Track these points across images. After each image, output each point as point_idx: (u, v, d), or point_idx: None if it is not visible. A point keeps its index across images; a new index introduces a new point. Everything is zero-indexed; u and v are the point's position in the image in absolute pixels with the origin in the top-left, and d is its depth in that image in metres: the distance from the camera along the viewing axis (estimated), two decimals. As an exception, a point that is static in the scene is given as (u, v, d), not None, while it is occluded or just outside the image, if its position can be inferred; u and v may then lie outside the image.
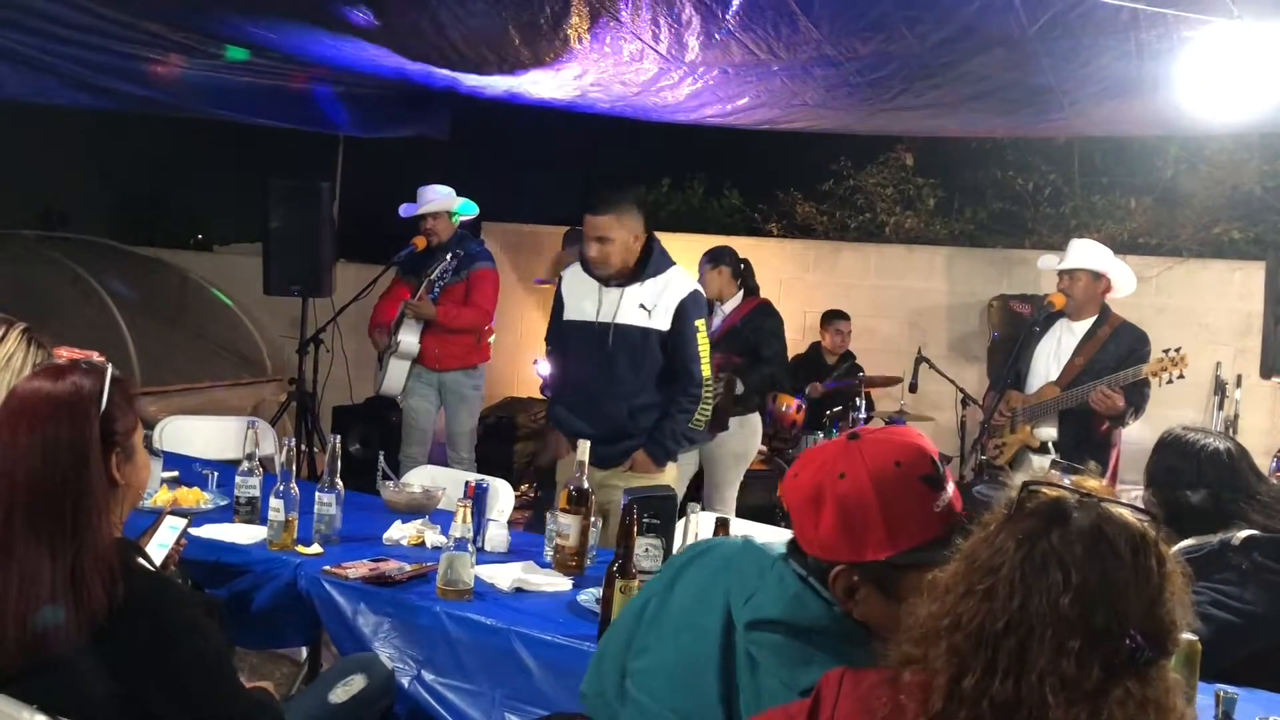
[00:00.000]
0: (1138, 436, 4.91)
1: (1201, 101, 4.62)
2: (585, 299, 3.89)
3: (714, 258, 5.54)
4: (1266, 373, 4.95)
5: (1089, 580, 1.25)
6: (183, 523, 2.51)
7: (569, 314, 3.95)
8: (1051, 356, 4.57)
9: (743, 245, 6.53)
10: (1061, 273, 4.56)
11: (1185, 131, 6.15)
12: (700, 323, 3.83)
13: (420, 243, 5.61)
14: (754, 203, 8.90)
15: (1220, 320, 6.55)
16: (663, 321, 3.77)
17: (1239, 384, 6.29)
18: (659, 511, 2.74)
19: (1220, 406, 6.24)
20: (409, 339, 5.53)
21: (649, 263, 3.80)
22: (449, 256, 5.46)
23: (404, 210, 5.70)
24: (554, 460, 4.17)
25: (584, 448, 2.92)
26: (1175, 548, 2.65)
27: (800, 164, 8.45)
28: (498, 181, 6.05)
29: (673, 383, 3.81)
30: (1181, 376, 4.29)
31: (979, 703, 1.25)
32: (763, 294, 5.65)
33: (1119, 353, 4.39)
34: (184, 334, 7.80)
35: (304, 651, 3.64)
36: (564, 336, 3.99)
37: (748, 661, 1.56)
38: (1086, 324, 4.54)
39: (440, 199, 5.59)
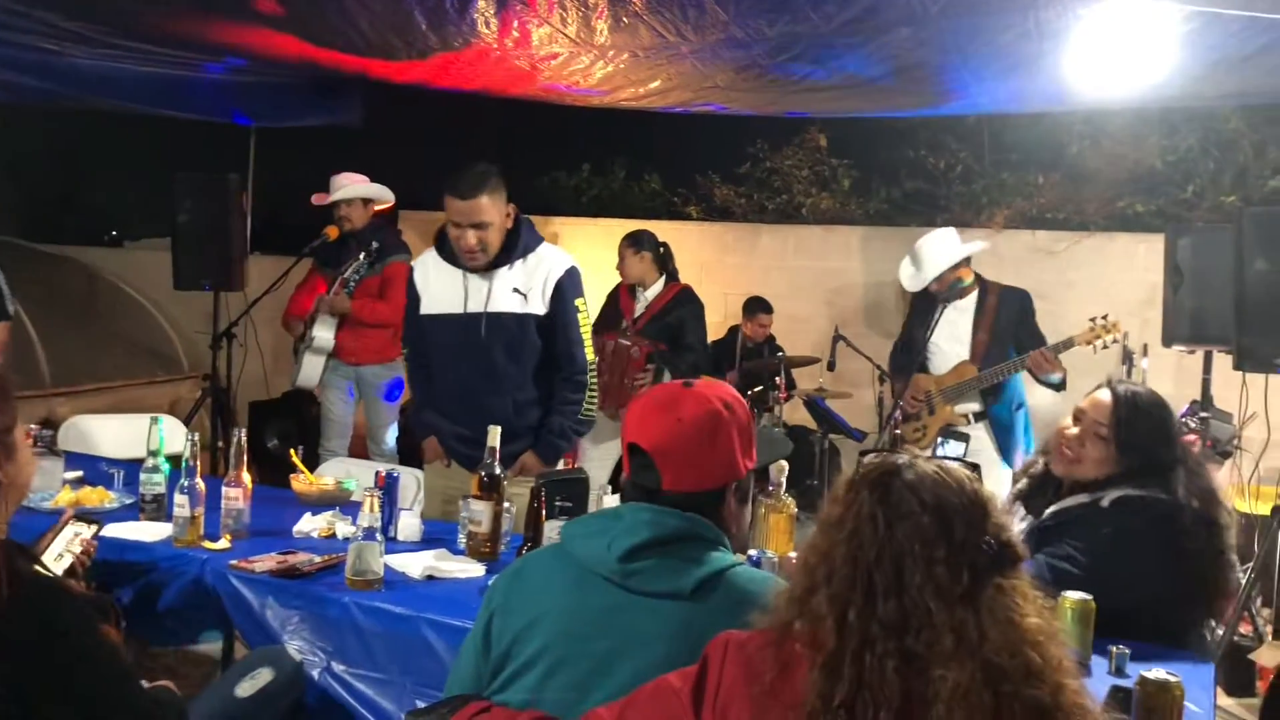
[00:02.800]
0: (1048, 402, 5.07)
1: (1099, 77, 4.74)
2: (447, 289, 3.50)
3: (635, 242, 5.54)
4: (1167, 341, 5.08)
5: (942, 501, 1.39)
6: (89, 529, 2.46)
7: (428, 307, 3.55)
8: (950, 335, 4.68)
9: (664, 229, 6.56)
10: (934, 281, 4.67)
11: (1087, 107, 6.29)
12: (580, 301, 3.52)
13: (332, 232, 5.54)
14: (674, 186, 8.91)
15: (1126, 292, 6.71)
16: (539, 305, 3.45)
17: (1145, 353, 6.46)
18: (570, 494, 2.75)
19: (1128, 375, 6.41)
20: (324, 334, 5.46)
21: (518, 242, 3.46)
22: (363, 254, 5.39)
23: (316, 198, 5.62)
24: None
25: (494, 433, 2.91)
26: (1050, 509, 2.72)
27: (718, 147, 8.48)
28: (413, 169, 5.98)
29: (554, 370, 3.51)
30: (1116, 342, 4.38)
31: (868, 628, 1.33)
32: (684, 278, 5.68)
33: (1011, 315, 4.58)
34: (95, 333, 7.63)
35: (217, 647, 3.60)
36: (424, 334, 3.59)
37: (626, 601, 1.66)
38: (971, 299, 4.67)
39: (353, 186, 5.51)
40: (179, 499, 2.85)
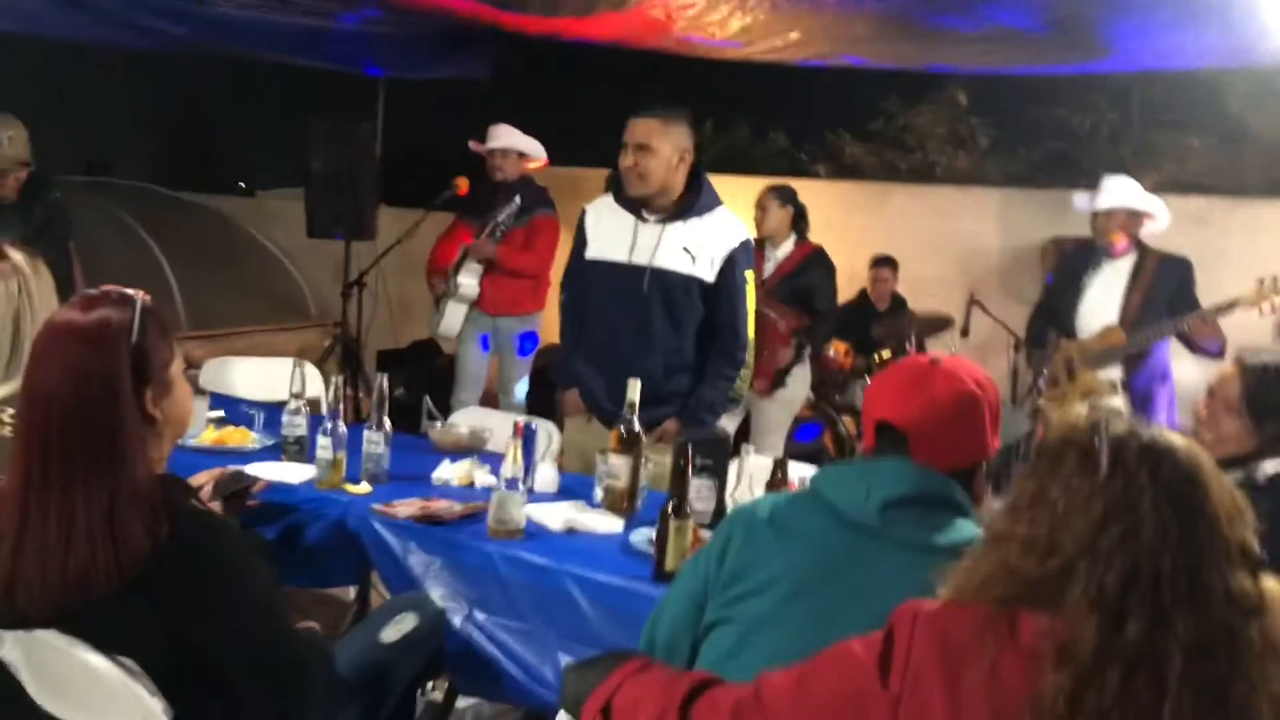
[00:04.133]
0: (1192, 373, 4.80)
1: (1270, 29, 4.43)
2: (616, 236, 3.36)
3: (782, 194, 5.38)
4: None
5: (1221, 501, 1.26)
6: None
7: (594, 252, 3.42)
8: (1100, 299, 4.46)
9: (793, 187, 6.39)
10: (1099, 213, 4.46)
11: (1262, 65, 5.90)
12: (750, 275, 3.36)
13: (462, 184, 5.53)
14: (801, 143, 8.72)
15: (1282, 263, 6.34)
16: (707, 270, 3.29)
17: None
18: (712, 453, 2.67)
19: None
20: (469, 282, 5.45)
21: (696, 198, 3.30)
22: (516, 198, 5.36)
23: (473, 145, 5.61)
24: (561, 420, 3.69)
25: (634, 386, 2.83)
26: None
27: (848, 103, 8.25)
28: (539, 123, 5.91)
29: (713, 340, 3.36)
30: None
31: (1153, 646, 1.21)
32: (810, 237, 5.52)
33: (1170, 284, 4.33)
34: (227, 279, 7.81)
35: (352, 592, 3.64)
36: (586, 279, 3.47)
37: (879, 547, 1.65)
38: (1129, 260, 4.44)
39: (510, 136, 5.49)
40: (322, 441, 2.85)
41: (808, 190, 7.99)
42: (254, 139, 11.43)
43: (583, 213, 3.54)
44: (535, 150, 5.59)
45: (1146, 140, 7.46)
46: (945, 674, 1.30)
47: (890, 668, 1.34)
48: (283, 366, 3.96)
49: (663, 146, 3.24)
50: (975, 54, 5.49)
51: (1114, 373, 4.43)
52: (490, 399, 5.84)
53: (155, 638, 1.76)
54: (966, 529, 1.68)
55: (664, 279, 3.30)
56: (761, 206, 5.32)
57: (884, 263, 6.83)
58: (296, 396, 3.12)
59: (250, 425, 3.40)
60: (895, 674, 1.33)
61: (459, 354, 5.77)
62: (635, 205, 3.37)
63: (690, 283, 3.30)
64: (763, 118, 8.91)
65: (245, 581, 1.82)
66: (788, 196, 5.36)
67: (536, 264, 5.42)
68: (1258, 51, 4.87)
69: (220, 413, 3.49)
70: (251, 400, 3.84)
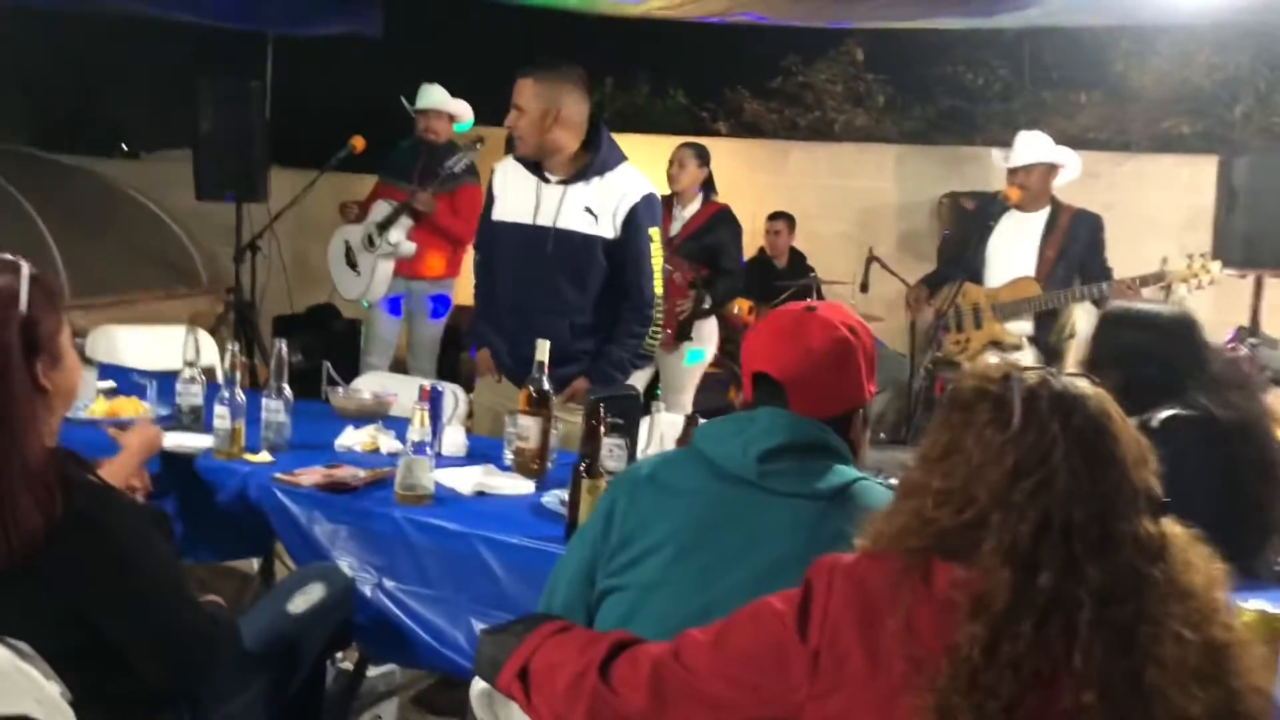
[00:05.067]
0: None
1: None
2: (520, 197, 3.35)
3: (703, 155, 5.36)
4: (1221, 264, 4.94)
5: (1129, 448, 1.28)
6: None
7: (500, 213, 3.41)
8: (1011, 250, 4.55)
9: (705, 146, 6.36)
10: (1016, 169, 4.56)
11: (1138, 21, 6.06)
12: (655, 231, 3.33)
13: (358, 143, 5.40)
14: (701, 101, 8.70)
15: (1166, 215, 6.55)
16: (609, 229, 3.26)
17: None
18: (623, 411, 2.66)
19: (1166, 300, 6.28)
20: (404, 240, 5.32)
21: (595, 158, 3.27)
22: (473, 151, 5.26)
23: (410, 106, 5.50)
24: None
25: (543, 347, 2.80)
26: None
27: (748, 60, 8.24)
28: (435, 81, 5.79)
29: (619, 299, 3.33)
30: (1213, 282, 4.22)
31: (1065, 594, 1.22)
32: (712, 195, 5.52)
33: (1083, 239, 4.44)
34: (111, 245, 7.49)
35: (255, 564, 3.56)
36: (493, 239, 3.46)
37: (760, 499, 1.65)
38: (1042, 214, 4.55)
39: (444, 97, 5.43)
40: (219, 410, 2.76)
41: (709, 147, 8.02)
42: (136, 99, 10.96)
43: (492, 171, 3.51)
44: (464, 111, 5.50)
45: (1037, 97, 7.63)
46: (862, 626, 1.31)
47: (809, 621, 1.34)
48: (174, 334, 3.82)
49: (531, 105, 3.21)
50: (875, 7, 5.51)
51: (1025, 326, 4.54)
52: (399, 364, 5.74)
53: (50, 618, 1.69)
54: (845, 474, 1.70)
55: (567, 240, 3.27)
56: (680, 163, 5.29)
57: (778, 217, 6.89)
58: (190, 365, 3.02)
59: (142, 396, 3.27)
60: (814, 627, 1.34)
61: (369, 318, 5.65)
62: (536, 166, 3.33)
63: (593, 242, 3.27)
64: (662, 75, 8.85)
65: (142, 556, 1.76)
66: (705, 156, 5.36)
67: (463, 229, 5.32)
68: (1142, 10, 4.99)
69: (111, 383, 3.36)
70: (143, 370, 3.70)
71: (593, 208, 3.27)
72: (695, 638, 1.44)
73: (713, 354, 5.55)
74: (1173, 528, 1.30)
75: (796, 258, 6.92)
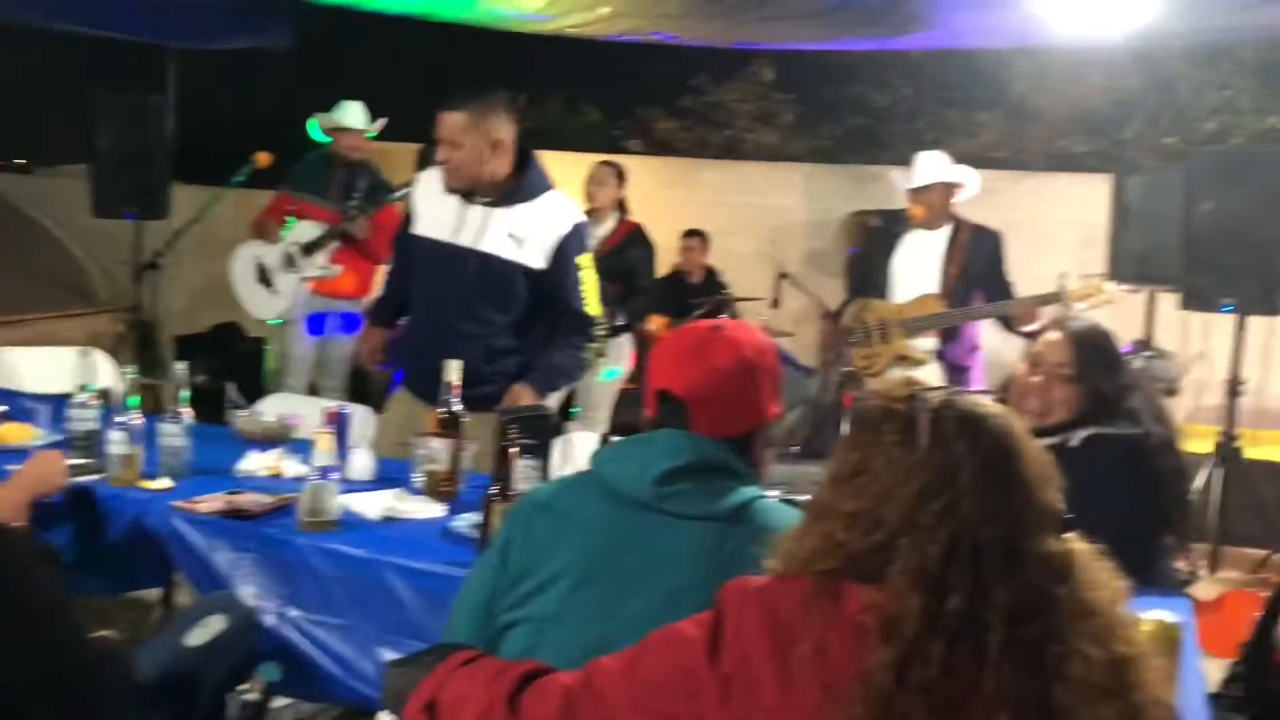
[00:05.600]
0: (995, 345, 5.07)
1: (1057, 11, 4.69)
2: (442, 212, 3.27)
3: (621, 174, 5.37)
4: (1116, 280, 5.09)
5: (1034, 467, 1.29)
6: None
7: (421, 227, 3.33)
8: (915, 267, 4.63)
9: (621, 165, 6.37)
10: (917, 188, 4.66)
11: (1035, 44, 6.25)
12: (585, 259, 3.29)
13: (262, 158, 5.30)
14: (614, 119, 8.73)
15: (1063, 232, 6.74)
16: (536, 258, 3.20)
17: (1082, 294, 6.52)
18: (536, 431, 2.63)
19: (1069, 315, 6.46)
20: (326, 262, 5.22)
21: (523, 183, 3.21)
22: (419, 178, 5.18)
23: (323, 123, 5.40)
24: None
25: (452, 367, 2.77)
26: None
27: (659, 79, 8.29)
28: (344, 96, 5.71)
29: (546, 321, 3.29)
30: (1109, 302, 4.32)
31: (976, 616, 1.22)
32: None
33: (984, 255, 4.55)
34: (3, 263, 7.25)
35: (156, 594, 3.44)
36: (411, 253, 3.39)
37: (658, 522, 1.63)
38: (944, 232, 4.65)
39: (364, 116, 5.35)
40: (114, 435, 2.67)
41: (622, 165, 8.02)
42: (30, 113, 10.60)
43: (414, 182, 3.46)
44: (379, 127, 5.46)
45: (940, 117, 7.82)
46: (774, 650, 1.30)
47: (720, 646, 1.33)
48: (69, 356, 3.70)
49: (470, 141, 3.14)
50: (785, 29, 5.58)
51: (928, 342, 4.62)
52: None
53: None
54: (744, 493, 1.69)
55: (488, 264, 3.21)
56: (599, 181, 5.30)
57: (693, 234, 6.94)
58: (83, 388, 2.91)
59: (33, 420, 3.15)
60: (725, 652, 1.33)
61: (286, 338, 5.53)
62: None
63: (515, 269, 3.21)
64: (575, 93, 8.86)
65: (27, 596, 1.68)
66: (623, 175, 5.38)
67: (382, 248, 5.23)
68: (1040, 33, 5.14)
69: (2, 407, 3.23)
70: (35, 393, 3.56)
71: (517, 234, 3.21)
72: (606, 665, 1.42)
73: (627, 371, 5.56)
74: (1077, 545, 1.32)
75: (711, 275, 6.97)
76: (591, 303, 3.31)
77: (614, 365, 5.32)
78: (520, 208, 3.22)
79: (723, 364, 1.72)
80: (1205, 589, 4.33)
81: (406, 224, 3.44)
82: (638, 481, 1.66)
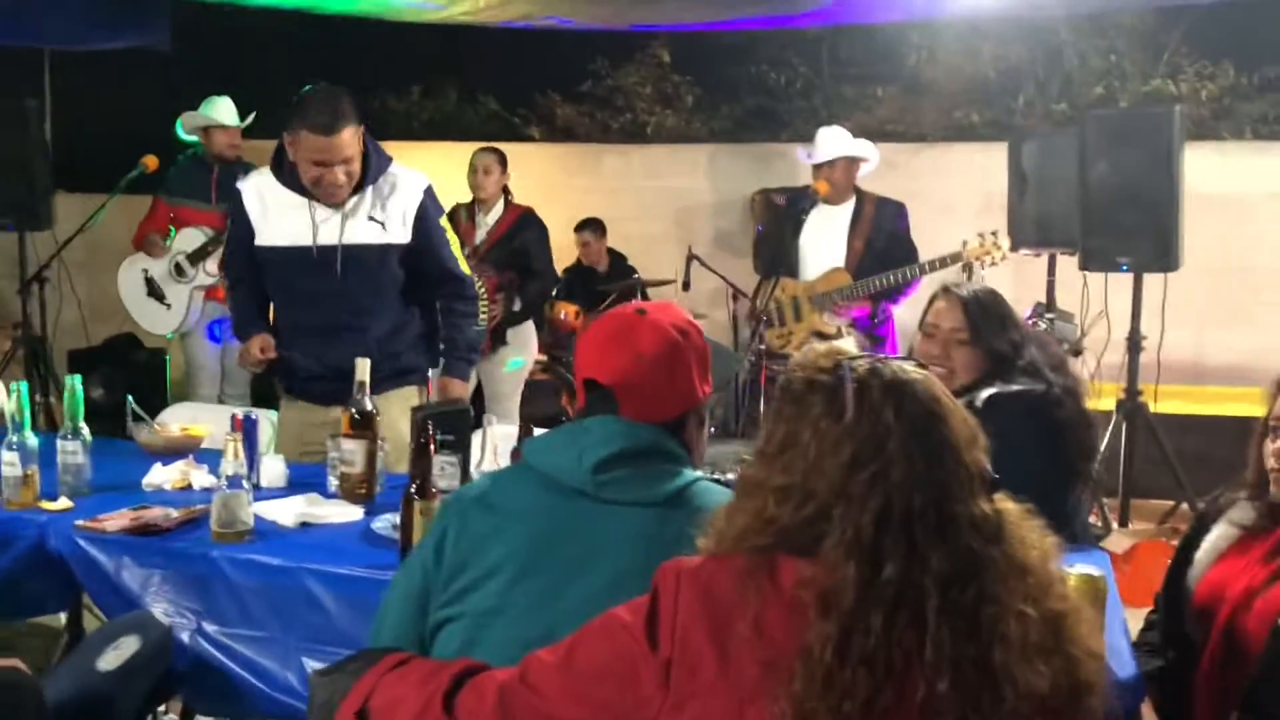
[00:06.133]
0: (904, 317, 5.14)
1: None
2: (287, 217, 3.14)
3: (503, 160, 5.28)
4: (1015, 245, 5.20)
5: (960, 430, 1.29)
6: None
7: (268, 238, 3.17)
8: (822, 243, 4.68)
9: (505, 151, 6.26)
10: (820, 164, 4.71)
11: (926, 17, 6.33)
12: (444, 220, 3.29)
13: (151, 162, 5.11)
14: (513, 107, 8.62)
15: (963, 201, 6.86)
16: (400, 233, 3.16)
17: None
18: (453, 427, 2.58)
19: (969, 279, 6.57)
20: (219, 269, 5.06)
21: (369, 166, 3.13)
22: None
23: (189, 122, 5.25)
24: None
25: (363, 366, 2.69)
26: None
27: (557, 65, 8.21)
28: (231, 95, 5.53)
29: (433, 290, 3.29)
30: (1004, 258, 4.41)
31: (910, 583, 1.21)
32: (528, 201, 5.47)
33: (889, 226, 4.62)
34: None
35: (62, 618, 3.30)
36: (260, 267, 3.23)
37: (597, 510, 1.61)
38: (848, 206, 4.71)
39: (233, 112, 5.22)
40: (7, 456, 2.54)
41: (522, 154, 7.93)
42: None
43: (237, 192, 3.26)
44: (242, 120, 5.30)
45: (837, 92, 7.89)
46: (712, 631, 1.28)
47: (658, 630, 1.31)
48: (-48, 377, 3.52)
49: (358, 148, 3.07)
50: (676, 10, 5.57)
51: (840, 319, 4.67)
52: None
53: None
54: (683, 476, 1.67)
55: (357, 255, 3.14)
56: (484, 170, 5.21)
57: (584, 227, 6.83)
58: (-30, 410, 2.76)
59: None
60: (663, 636, 1.30)
61: (188, 348, 5.38)
62: (301, 185, 3.13)
63: (387, 250, 3.16)
64: (471, 82, 8.72)
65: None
66: (504, 160, 5.29)
67: None
68: (930, 7, 5.21)
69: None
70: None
71: (377, 216, 3.15)
72: (542, 659, 1.38)
73: (533, 360, 5.51)
74: (1006, 505, 1.32)
75: (617, 259, 6.93)
76: (463, 263, 3.31)
77: (518, 355, 5.25)
78: (369, 190, 3.15)
79: (648, 349, 1.70)
80: (1117, 541, 4.46)
81: (242, 239, 3.26)
82: (574, 470, 1.64)
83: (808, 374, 1.36)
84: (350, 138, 3.03)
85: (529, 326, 5.34)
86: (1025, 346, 2.63)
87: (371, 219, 3.14)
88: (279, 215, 3.17)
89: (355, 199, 3.14)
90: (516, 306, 5.19)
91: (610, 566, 1.55)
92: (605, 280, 6.69)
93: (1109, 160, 4.61)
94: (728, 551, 1.34)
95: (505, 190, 5.30)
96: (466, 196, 5.28)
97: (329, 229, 3.13)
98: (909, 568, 1.23)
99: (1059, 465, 2.52)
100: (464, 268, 3.33)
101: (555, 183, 7.62)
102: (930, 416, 1.30)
